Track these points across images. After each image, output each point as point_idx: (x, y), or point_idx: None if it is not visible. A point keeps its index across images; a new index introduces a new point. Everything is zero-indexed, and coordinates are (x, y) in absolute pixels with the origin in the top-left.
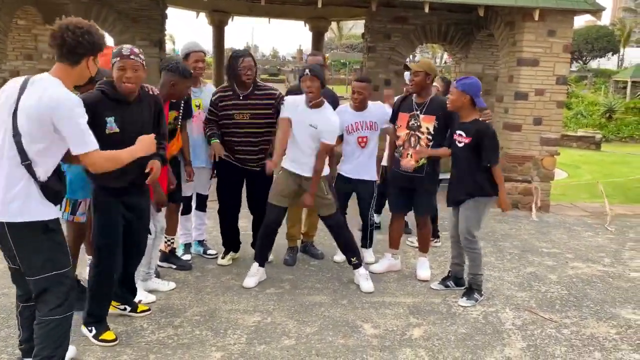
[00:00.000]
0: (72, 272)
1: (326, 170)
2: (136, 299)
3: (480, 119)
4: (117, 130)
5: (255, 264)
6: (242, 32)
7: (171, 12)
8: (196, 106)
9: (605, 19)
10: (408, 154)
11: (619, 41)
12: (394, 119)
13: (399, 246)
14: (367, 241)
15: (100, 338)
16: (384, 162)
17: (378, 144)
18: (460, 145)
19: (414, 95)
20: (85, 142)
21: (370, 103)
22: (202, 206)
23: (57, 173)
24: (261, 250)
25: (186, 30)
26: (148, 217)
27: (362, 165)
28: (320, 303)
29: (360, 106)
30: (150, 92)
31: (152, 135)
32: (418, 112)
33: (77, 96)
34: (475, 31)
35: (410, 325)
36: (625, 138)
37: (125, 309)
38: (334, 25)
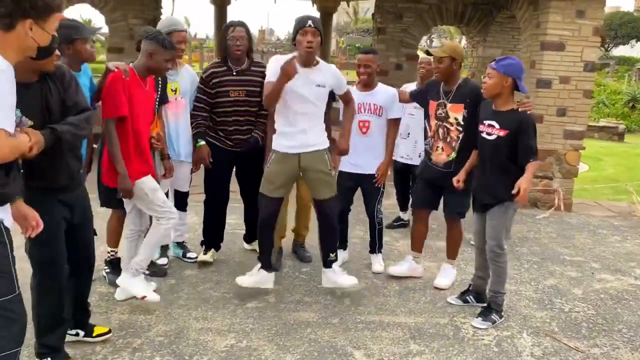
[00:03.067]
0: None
1: (326, 143)
2: (138, 294)
3: (519, 110)
4: (31, 122)
5: (260, 269)
6: (258, 15)
7: None
8: (172, 91)
9: (629, 6)
10: (438, 146)
11: None
12: (424, 103)
13: (421, 249)
14: (375, 245)
15: None
16: (396, 157)
17: (389, 133)
18: (491, 138)
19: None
20: None
21: (380, 85)
22: (182, 205)
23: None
24: (262, 253)
25: (187, 11)
26: (92, 217)
27: (363, 157)
28: (307, 322)
29: (367, 84)
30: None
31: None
32: (445, 101)
33: None
34: (495, 12)
35: (409, 354)
36: None
37: (77, 334)
38: (350, 9)
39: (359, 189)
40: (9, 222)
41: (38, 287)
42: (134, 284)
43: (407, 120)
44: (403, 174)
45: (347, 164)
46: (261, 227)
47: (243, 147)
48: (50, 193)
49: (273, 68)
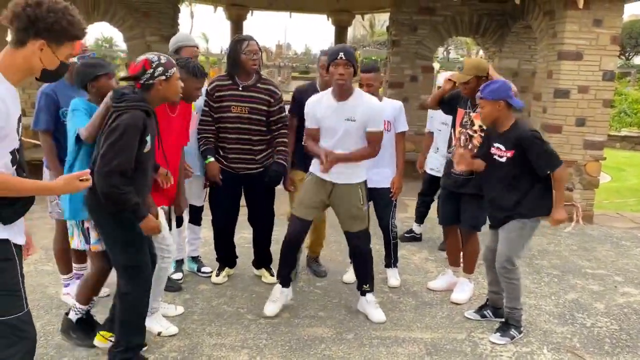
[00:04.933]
0: None
1: (362, 177)
2: (154, 332)
3: (518, 121)
4: (149, 147)
5: (278, 287)
6: (273, 30)
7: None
8: None
9: None
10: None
11: None
12: (452, 111)
13: (459, 262)
14: (391, 259)
15: None
16: (426, 168)
17: (398, 146)
18: (502, 160)
19: None
20: None
21: (385, 99)
22: (196, 219)
23: None
24: (283, 269)
25: (205, 27)
26: None
27: (374, 171)
28: (321, 338)
29: None
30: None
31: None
32: (470, 111)
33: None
34: (511, 22)
35: None
36: None
37: None
38: (367, 22)
39: (372, 204)
40: (19, 240)
41: (135, 291)
42: (149, 324)
43: (435, 134)
44: (431, 185)
45: None
46: (288, 246)
47: (250, 171)
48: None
49: (310, 114)
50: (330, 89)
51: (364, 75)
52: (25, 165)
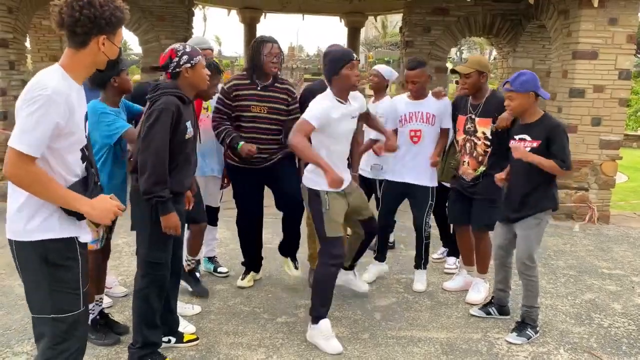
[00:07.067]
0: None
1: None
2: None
3: (547, 113)
4: (192, 133)
5: (326, 322)
6: (286, 32)
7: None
8: (204, 109)
9: None
10: (464, 161)
11: None
12: (453, 119)
13: (473, 262)
14: (421, 259)
15: None
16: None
17: (439, 141)
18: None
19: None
20: (23, 138)
21: (432, 93)
22: (212, 220)
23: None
24: (326, 305)
25: (218, 30)
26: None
27: (413, 167)
28: (337, 337)
29: (417, 95)
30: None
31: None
32: (473, 115)
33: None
34: (524, 22)
35: None
36: None
37: (169, 341)
38: (379, 23)
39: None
40: (85, 237)
41: (150, 285)
42: None
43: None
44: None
45: (397, 174)
46: (335, 273)
47: (265, 166)
48: (177, 198)
49: (315, 110)
50: (327, 93)
51: (410, 72)
52: (94, 162)
